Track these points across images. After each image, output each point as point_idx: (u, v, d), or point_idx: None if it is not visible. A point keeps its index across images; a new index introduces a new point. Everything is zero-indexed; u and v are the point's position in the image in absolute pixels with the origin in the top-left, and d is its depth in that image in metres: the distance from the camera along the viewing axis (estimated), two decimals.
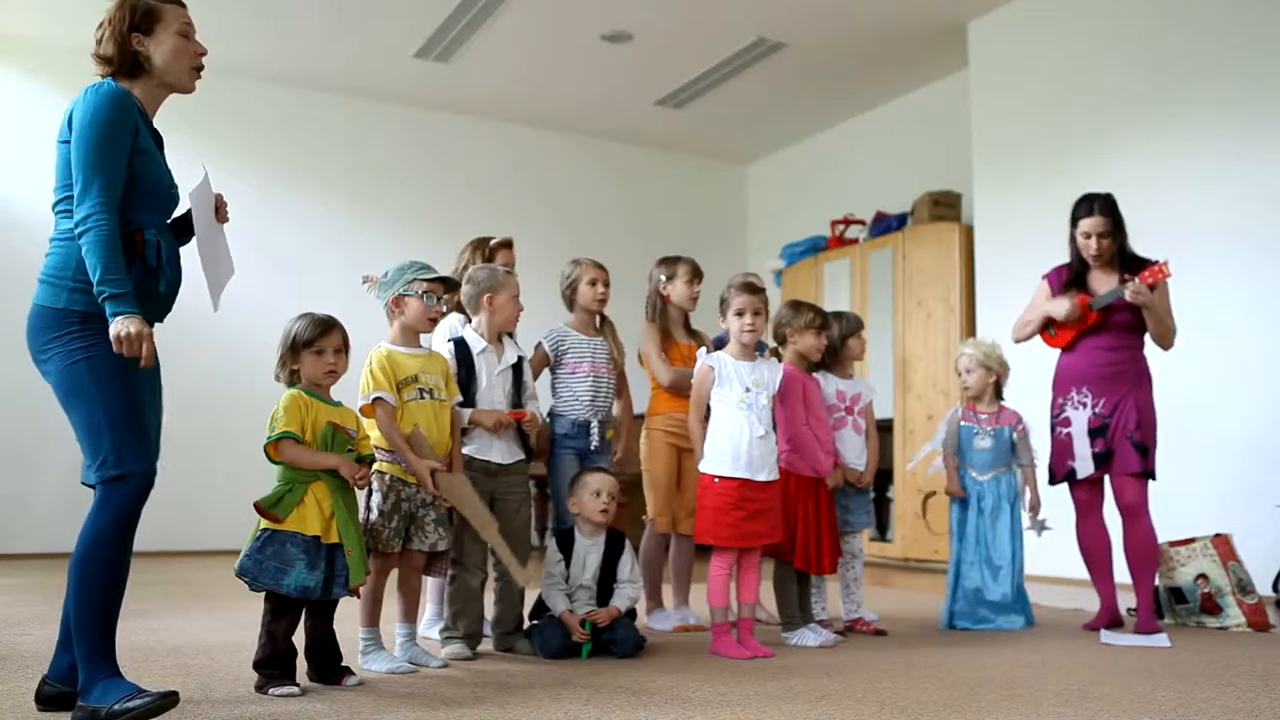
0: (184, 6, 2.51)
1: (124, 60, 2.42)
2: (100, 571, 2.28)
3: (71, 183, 2.32)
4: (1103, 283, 4.04)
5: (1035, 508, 4.17)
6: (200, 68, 2.52)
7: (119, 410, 2.32)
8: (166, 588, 5.02)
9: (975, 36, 6.65)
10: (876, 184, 7.96)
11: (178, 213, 2.60)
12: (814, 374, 3.93)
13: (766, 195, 9.45)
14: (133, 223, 2.35)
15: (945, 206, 7.02)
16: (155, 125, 2.50)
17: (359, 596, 2.88)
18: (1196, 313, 4.05)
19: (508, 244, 3.94)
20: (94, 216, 2.25)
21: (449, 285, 3.24)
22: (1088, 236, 4.05)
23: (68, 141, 2.34)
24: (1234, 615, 4.05)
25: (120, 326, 2.23)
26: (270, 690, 2.61)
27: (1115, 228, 4.03)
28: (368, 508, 3.01)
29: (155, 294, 2.41)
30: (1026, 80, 6.32)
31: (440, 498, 3.06)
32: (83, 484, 2.42)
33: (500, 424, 3.33)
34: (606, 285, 3.94)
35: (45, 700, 2.41)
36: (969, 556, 4.12)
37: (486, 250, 3.88)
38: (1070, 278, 4.13)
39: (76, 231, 2.27)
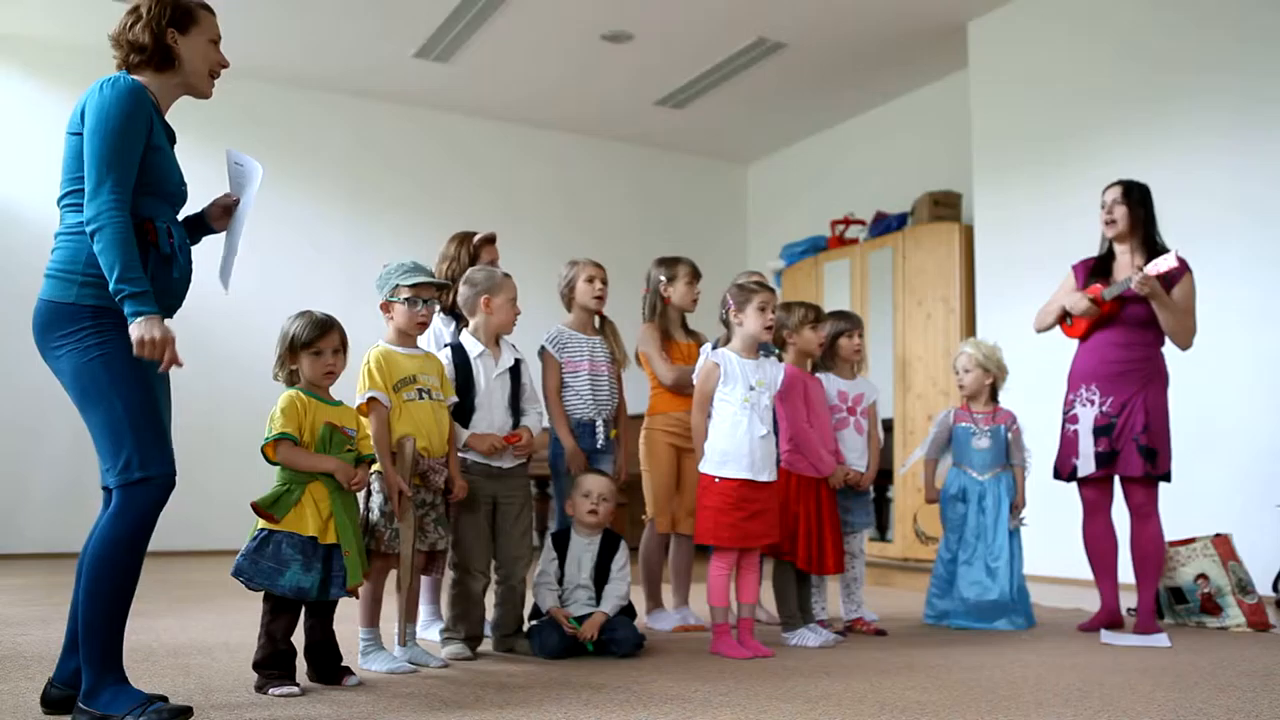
0: (214, 15, 2.52)
1: (156, 52, 2.40)
2: (115, 577, 2.24)
3: (80, 175, 2.29)
4: (1126, 273, 3.99)
5: (1017, 507, 4.16)
6: (218, 76, 2.52)
7: (139, 410, 2.27)
8: (167, 588, 5.02)
9: (975, 36, 6.65)
10: (876, 184, 7.96)
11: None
12: (816, 374, 3.93)
13: (766, 195, 9.46)
14: (142, 213, 2.32)
15: (945, 206, 7.02)
16: (169, 122, 2.48)
17: (357, 597, 2.88)
18: (1198, 310, 4.04)
19: (491, 239, 3.90)
20: (106, 213, 2.21)
21: (437, 286, 3.22)
22: (1104, 208, 4.05)
23: (78, 134, 2.30)
24: (1234, 615, 4.05)
25: (144, 330, 2.20)
26: (270, 690, 2.61)
27: (1137, 207, 4.01)
28: (368, 508, 3.01)
29: (170, 282, 2.37)
30: (1026, 80, 6.32)
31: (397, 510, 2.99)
32: (102, 487, 2.36)
33: (494, 449, 3.32)
34: (604, 283, 3.93)
35: (51, 703, 2.38)
36: (966, 556, 4.13)
37: (470, 246, 3.84)
38: (1095, 265, 4.12)
39: (89, 229, 2.22)
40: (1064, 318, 4.15)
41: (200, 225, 2.64)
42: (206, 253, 2.66)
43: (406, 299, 3.11)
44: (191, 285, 2.49)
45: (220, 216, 2.65)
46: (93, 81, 2.34)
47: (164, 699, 2.25)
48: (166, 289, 2.36)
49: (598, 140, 9.01)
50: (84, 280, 2.27)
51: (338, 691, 2.69)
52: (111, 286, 2.20)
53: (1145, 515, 3.94)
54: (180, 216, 2.54)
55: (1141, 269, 3.87)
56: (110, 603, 2.24)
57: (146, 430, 2.27)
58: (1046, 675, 3.00)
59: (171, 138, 2.48)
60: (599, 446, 3.83)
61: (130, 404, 2.26)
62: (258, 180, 2.62)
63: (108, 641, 2.23)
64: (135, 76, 2.39)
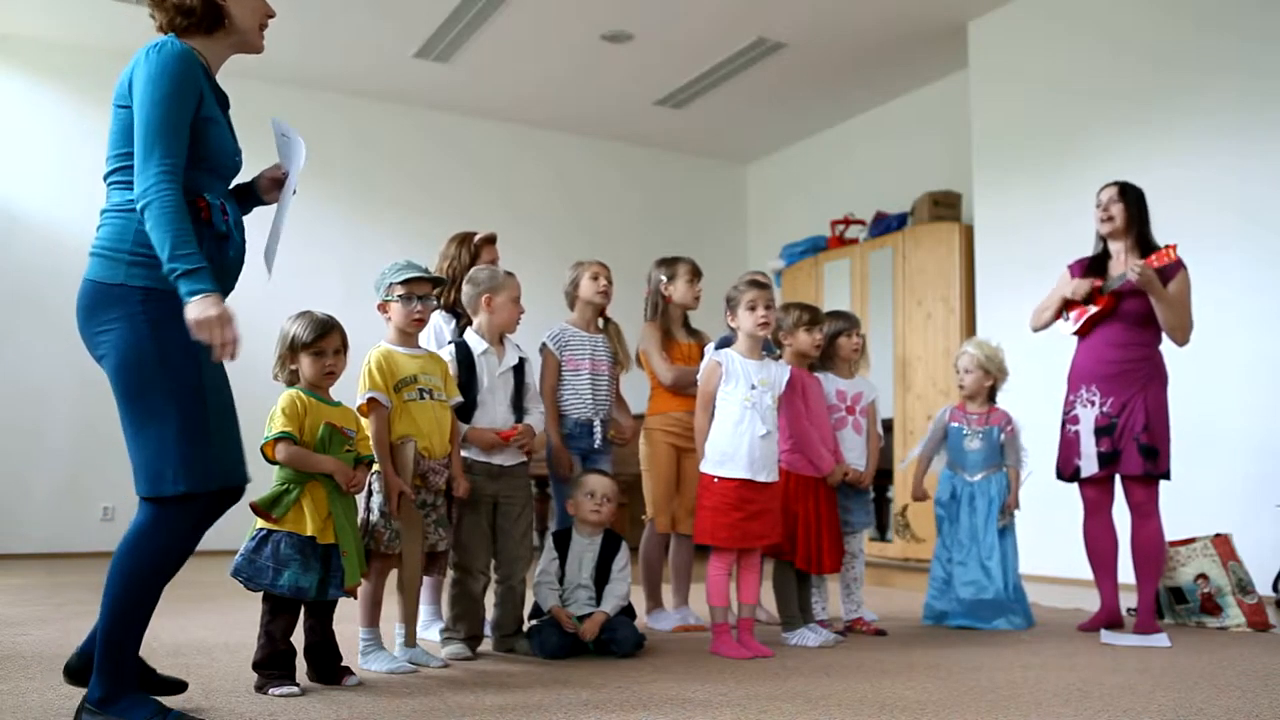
0: None
1: (206, 13, 2.25)
2: (146, 592, 2.19)
3: (127, 151, 2.16)
4: (1120, 271, 4.01)
5: (1009, 508, 4.14)
6: (266, 28, 2.38)
7: (190, 412, 2.13)
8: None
9: (975, 36, 6.65)
10: (876, 184, 7.96)
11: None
12: (814, 374, 3.93)
13: (766, 195, 9.46)
14: (193, 189, 2.19)
15: (945, 206, 7.03)
16: (222, 87, 2.35)
17: (355, 597, 2.88)
18: (1197, 310, 4.05)
19: (491, 239, 3.91)
20: (156, 187, 2.07)
21: (435, 283, 3.21)
22: (1100, 207, 4.09)
23: (125, 106, 2.17)
24: (1234, 615, 4.05)
25: (200, 309, 2.02)
26: (270, 690, 2.61)
27: (1133, 206, 4.05)
28: (368, 508, 3.00)
29: (225, 261, 2.24)
30: (1026, 80, 6.32)
31: (393, 512, 2.97)
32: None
33: (493, 445, 3.32)
34: (609, 281, 3.94)
35: (72, 673, 2.36)
36: (961, 556, 4.13)
37: (471, 245, 3.85)
38: (1090, 264, 4.14)
39: (138, 204, 2.09)
40: (1062, 310, 4.16)
41: (249, 197, 2.53)
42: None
43: (401, 296, 3.10)
44: None
45: (270, 189, 2.53)
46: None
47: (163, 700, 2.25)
48: (223, 269, 2.24)
49: (598, 140, 9.01)
50: (132, 259, 2.13)
51: (338, 691, 2.69)
52: (164, 267, 2.05)
53: (1146, 514, 3.95)
54: (234, 184, 2.42)
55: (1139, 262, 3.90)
56: (137, 614, 2.19)
57: (199, 436, 2.13)
58: (1046, 675, 3.00)
59: (224, 103, 2.34)
60: (596, 446, 3.84)
61: (182, 403, 2.12)
62: (302, 158, 2.49)
63: (130, 650, 2.19)
64: (183, 41, 2.24)
